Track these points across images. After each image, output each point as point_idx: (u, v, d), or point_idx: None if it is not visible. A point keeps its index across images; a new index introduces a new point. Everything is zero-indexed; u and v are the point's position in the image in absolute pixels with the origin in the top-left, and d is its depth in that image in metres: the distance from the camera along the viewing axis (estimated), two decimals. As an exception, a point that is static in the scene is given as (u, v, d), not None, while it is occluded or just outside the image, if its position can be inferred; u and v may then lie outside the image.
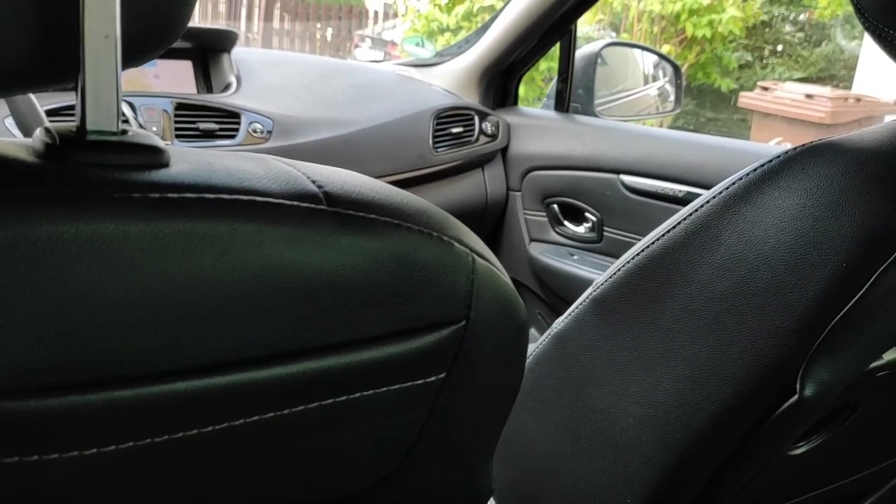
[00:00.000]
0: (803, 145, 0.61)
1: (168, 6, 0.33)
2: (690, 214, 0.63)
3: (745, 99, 5.92)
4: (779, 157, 0.60)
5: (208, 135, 1.37)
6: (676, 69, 1.91)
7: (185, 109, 1.36)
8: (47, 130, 0.31)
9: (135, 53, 0.32)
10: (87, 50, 0.30)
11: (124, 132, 0.32)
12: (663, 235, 0.64)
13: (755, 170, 0.61)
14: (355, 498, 0.43)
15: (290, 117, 1.49)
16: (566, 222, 1.75)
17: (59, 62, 0.30)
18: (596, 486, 0.68)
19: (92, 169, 0.30)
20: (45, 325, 0.27)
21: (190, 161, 0.34)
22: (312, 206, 0.33)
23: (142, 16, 0.32)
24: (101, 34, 0.30)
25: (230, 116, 1.41)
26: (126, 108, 1.28)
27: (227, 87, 1.51)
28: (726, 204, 0.61)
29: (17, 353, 0.27)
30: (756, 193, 0.60)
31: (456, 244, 0.37)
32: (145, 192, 0.30)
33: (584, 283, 1.66)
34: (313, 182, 0.35)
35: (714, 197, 0.62)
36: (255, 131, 1.42)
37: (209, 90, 1.51)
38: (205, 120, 1.38)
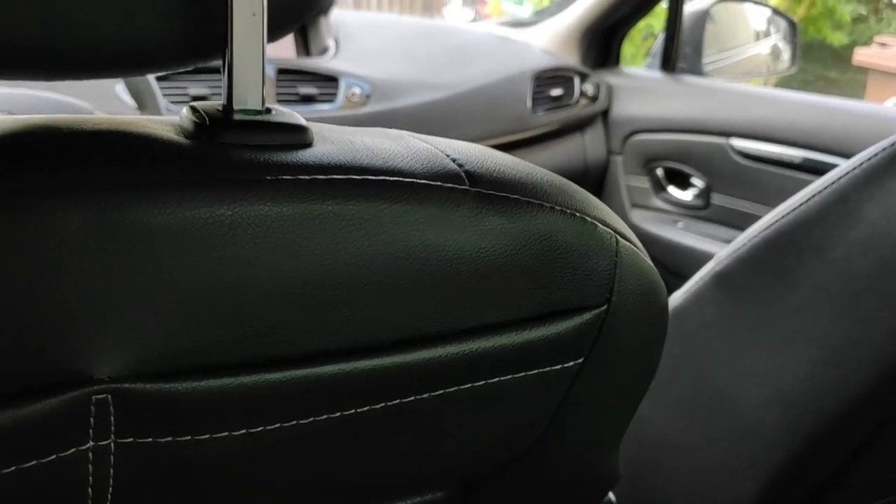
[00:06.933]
0: None
1: None
2: (827, 187, 0.59)
3: (861, 56, 5.57)
4: None
5: (308, 100, 1.37)
6: (792, 25, 1.80)
7: (286, 74, 1.37)
8: (195, 110, 0.32)
9: (276, 28, 0.32)
10: (235, 28, 0.30)
11: (268, 110, 0.32)
12: (795, 209, 0.60)
13: None
14: (481, 480, 0.42)
15: (389, 81, 1.48)
16: (671, 188, 1.68)
17: (207, 40, 0.30)
18: (713, 467, 0.65)
19: (241, 150, 0.30)
20: (201, 307, 0.28)
21: (332, 140, 0.34)
22: (456, 186, 0.33)
23: None
24: (249, 12, 0.30)
25: (329, 80, 1.41)
26: None
27: (325, 50, 1.51)
28: (868, 176, 0.56)
29: (174, 335, 0.27)
30: None
31: (599, 225, 0.36)
32: (295, 173, 0.30)
33: (689, 252, 1.61)
34: (453, 161, 0.34)
35: (854, 168, 0.57)
36: (353, 95, 1.42)
37: (308, 53, 1.52)
38: (305, 84, 1.38)
